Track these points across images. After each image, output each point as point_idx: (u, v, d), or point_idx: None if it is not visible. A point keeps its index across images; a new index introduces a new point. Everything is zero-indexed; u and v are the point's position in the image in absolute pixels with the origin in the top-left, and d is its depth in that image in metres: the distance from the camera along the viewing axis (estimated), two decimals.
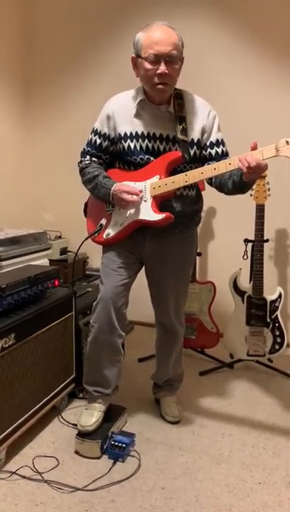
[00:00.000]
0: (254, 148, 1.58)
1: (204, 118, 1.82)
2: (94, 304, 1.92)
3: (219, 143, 1.84)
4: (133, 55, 1.76)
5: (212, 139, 1.83)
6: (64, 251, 3.19)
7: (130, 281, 1.93)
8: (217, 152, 1.82)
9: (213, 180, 1.81)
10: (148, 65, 1.69)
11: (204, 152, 1.84)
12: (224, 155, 1.84)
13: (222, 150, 1.84)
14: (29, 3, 3.32)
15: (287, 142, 1.53)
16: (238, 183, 1.70)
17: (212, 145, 1.83)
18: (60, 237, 3.26)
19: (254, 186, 2.45)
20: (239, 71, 2.89)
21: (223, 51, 2.91)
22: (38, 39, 3.36)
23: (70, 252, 3.22)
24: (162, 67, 1.67)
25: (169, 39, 1.67)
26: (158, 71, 1.67)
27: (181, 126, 1.78)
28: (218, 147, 1.83)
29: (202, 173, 1.70)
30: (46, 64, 3.37)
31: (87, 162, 1.90)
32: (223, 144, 1.85)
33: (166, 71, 1.67)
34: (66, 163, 3.22)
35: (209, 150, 1.83)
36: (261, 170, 1.58)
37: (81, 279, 3.15)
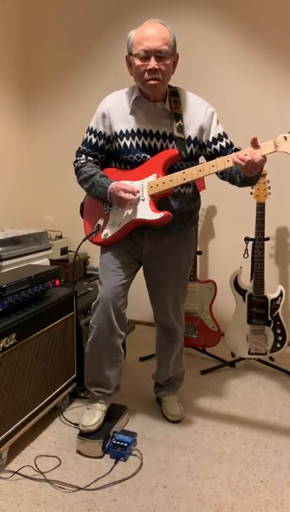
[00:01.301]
0: (254, 142, 1.58)
1: (201, 116, 1.81)
2: (93, 304, 1.92)
3: (221, 136, 1.83)
4: (127, 54, 1.76)
5: (213, 134, 1.82)
6: (64, 251, 3.19)
7: (129, 281, 1.92)
8: (221, 146, 1.82)
9: (224, 175, 1.82)
10: (138, 62, 1.69)
11: (209, 149, 1.83)
12: (230, 147, 1.83)
13: (226, 143, 1.83)
14: (28, 8, 3.32)
15: (285, 138, 1.53)
16: (244, 178, 1.72)
17: (215, 140, 1.82)
18: (60, 236, 3.26)
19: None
20: (239, 71, 2.88)
21: (223, 52, 2.90)
22: (37, 42, 3.35)
23: (70, 251, 3.22)
24: (152, 63, 1.67)
25: (159, 34, 1.66)
26: (149, 67, 1.67)
27: (178, 124, 1.77)
28: (221, 141, 1.82)
29: (200, 171, 1.69)
30: (45, 66, 3.37)
31: (82, 161, 1.89)
32: (226, 137, 1.84)
33: (156, 66, 1.67)
34: (66, 164, 3.21)
35: (213, 146, 1.82)
36: (256, 166, 1.58)
37: (82, 279, 3.15)
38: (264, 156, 1.57)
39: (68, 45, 3.28)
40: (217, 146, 1.82)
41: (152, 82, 1.70)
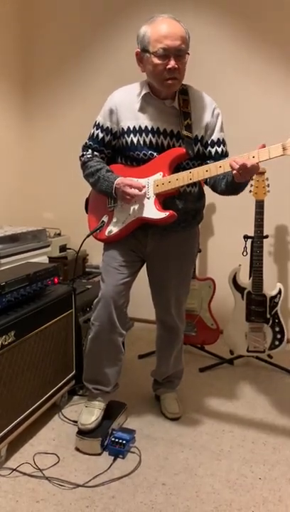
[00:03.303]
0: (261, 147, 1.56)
1: (208, 115, 1.79)
2: (95, 302, 1.91)
3: (219, 142, 1.81)
4: (138, 50, 1.71)
5: (214, 137, 1.81)
6: (63, 248, 3.18)
7: (131, 280, 1.92)
8: (216, 151, 1.81)
9: (208, 179, 1.79)
10: (157, 60, 1.65)
11: (204, 150, 1.82)
12: (224, 155, 1.81)
13: (222, 150, 1.82)
14: (27, 7, 3.30)
15: None
16: (230, 184, 1.69)
17: (213, 143, 1.81)
18: (59, 234, 3.25)
19: (254, 182, 2.45)
20: (239, 72, 2.88)
21: (223, 52, 2.90)
22: (36, 41, 3.34)
23: (69, 249, 3.21)
24: (172, 63, 1.64)
25: (178, 33, 1.64)
26: (169, 66, 1.64)
27: (186, 122, 1.75)
28: (219, 146, 1.81)
29: (207, 171, 1.67)
30: (44, 63, 3.36)
31: (89, 156, 1.88)
32: (224, 144, 1.83)
33: (176, 66, 1.65)
34: (65, 162, 3.23)
35: (209, 148, 1.81)
36: (248, 170, 1.55)
37: (81, 276, 3.15)
38: (257, 164, 1.55)
39: (67, 44, 3.27)
40: (213, 150, 1.81)
41: (171, 81, 1.68)
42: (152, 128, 1.78)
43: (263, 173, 2.45)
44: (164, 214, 1.73)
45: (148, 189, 1.76)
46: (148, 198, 1.76)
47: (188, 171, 1.70)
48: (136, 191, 1.73)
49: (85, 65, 3.25)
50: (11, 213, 3.28)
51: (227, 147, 1.86)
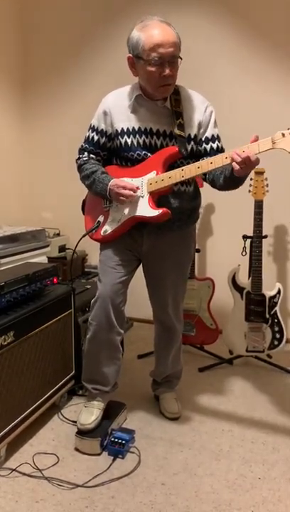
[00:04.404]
0: (255, 141, 1.57)
1: (201, 113, 1.80)
2: (92, 301, 1.92)
3: (214, 138, 1.83)
4: (130, 55, 1.71)
5: (208, 134, 1.82)
6: (62, 248, 3.18)
7: (128, 279, 1.93)
8: (212, 147, 1.82)
9: (207, 175, 1.80)
10: (151, 68, 1.66)
11: (199, 147, 1.83)
12: (220, 150, 1.82)
13: (218, 146, 1.83)
14: (26, 6, 3.30)
15: (283, 135, 1.53)
16: (229, 178, 1.69)
17: (207, 140, 1.82)
18: (58, 234, 3.26)
19: (253, 182, 2.45)
20: (238, 70, 2.88)
21: (223, 50, 2.89)
22: (36, 38, 3.34)
23: (68, 249, 3.22)
24: (167, 71, 1.65)
25: (171, 40, 1.63)
26: (164, 73, 1.65)
27: (178, 122, 1.77)
28: (213, 142, 1.82)
29: (198, 168, 1.69)
30: (44, 63, 3.36)
31: (85, 159, 1.90)
32: (219, 140, 1.84)
33: (171, 73, 1.66)
34: (64, 161, 3.23)
35: (204, 145, 1.82)
36: (251, 164, 1.56)
37: (80, 276, 3.15)
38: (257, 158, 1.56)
39: (66, 43, 3.27)
40: (208, 147, 1.82)
41: (165, 87, 1.70)
42: (145, 129, 1.79)
43: (262, 173, 2.45)
44: (157, 212, 1.74)
45: (142, 188, 1.77)
46: (142, 197, 1.77)
47: (180, 168, 1.71)
48: (130, 192, 1.74)
49: (84, 64, 3.25)
50: (10, 213, 3.28)
51: (226, 145, 1.86)
